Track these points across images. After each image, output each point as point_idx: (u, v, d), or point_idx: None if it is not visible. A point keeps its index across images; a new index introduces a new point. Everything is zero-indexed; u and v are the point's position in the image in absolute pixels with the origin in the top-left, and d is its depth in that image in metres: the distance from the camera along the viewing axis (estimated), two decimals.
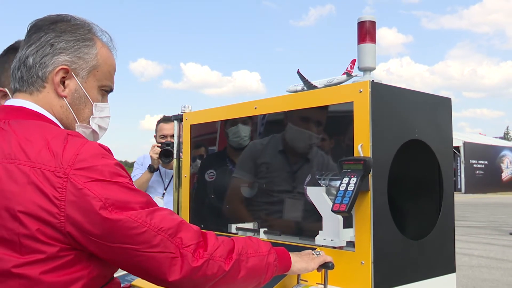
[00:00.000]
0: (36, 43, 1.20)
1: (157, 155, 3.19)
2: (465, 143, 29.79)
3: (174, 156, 2.35)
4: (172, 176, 3.37)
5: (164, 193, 3.38)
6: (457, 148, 29.22)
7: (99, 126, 1.31)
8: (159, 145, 3.23)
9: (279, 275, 1.41)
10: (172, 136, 3.14)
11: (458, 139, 30.77)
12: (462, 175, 28.80)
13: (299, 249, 1.49)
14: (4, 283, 1.00)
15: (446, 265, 1.69)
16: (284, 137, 1.92)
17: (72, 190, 1.00)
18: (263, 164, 2.02)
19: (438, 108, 1.72)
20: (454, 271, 1.72)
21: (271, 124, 1.92)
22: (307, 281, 1.46)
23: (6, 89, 1.64)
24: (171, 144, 3.17)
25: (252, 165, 2.05)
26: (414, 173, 1.76)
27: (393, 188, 1.60)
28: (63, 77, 1.21)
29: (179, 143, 2.31)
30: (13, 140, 1.07)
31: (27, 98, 1.20)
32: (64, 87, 1.22)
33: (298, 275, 1.46)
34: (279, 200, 1.92)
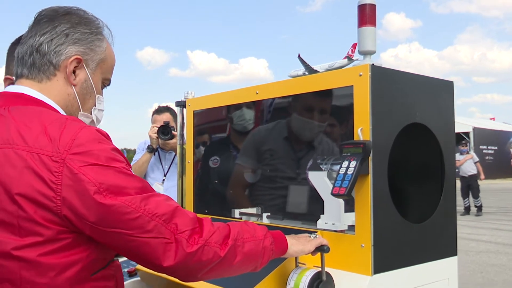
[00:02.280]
0: (51, 32, 1.22)
1: (156, 134, 3.26)
2: (474, 129, 29.59)
3: (177, 139, 2.37)
4: (172, 161, 3.41)
5: (164, 179, 3.41)
6: (467, 133, 29.05)
7: (97, 118, 1.35)
8: (157, 125, 3.29)
9: (279, 259, 1.42)
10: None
11: (467, 124, 30.56)
12: None
13: (299, 233, 1.51)
14: (5, 265, 1.02)
15: (448, 248, 1.69)
16: (289, 124, 1.92)
17: (68, 174, 1.02)
18: (267, 151, 2.02)
19: (440, 91, 1.71)
20: (456, 254, 1.73)
21: (277, 110, 1.91)
22: (305, 264, 1.48)
23: (14, 77, 1.66)
24: (169, 123, 3.25)
25: (255, 152, 2.05)
26: (416, 156, 1.76)
27: (395, 172, 1.60)
28: (75, 67, 1.25)
29: (182, 129, 2.32)
30: (12, 126, 1.09)
31: (33, 86, 1.22)
32: (75, 76, 1.25)
33: (296, 259, 1.47)
34: (282, 186, 1.92)
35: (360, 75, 1.47)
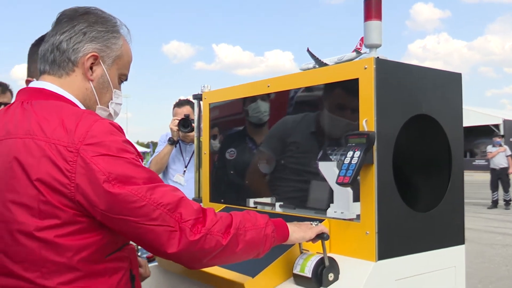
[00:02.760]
0: (70, 31, 1.32)
1: (176, 127, 3.36)
2: (505, 121, 28.93)
3: (194, 131, 2.45)
4: (192, 153, 3.50)
5: (185, 171, 3.51)
6: (497, 126, 28.44)
7: (114, 111, 1.43)
8: (178, 118, 3.40)
9: (285, 246, 1.48)
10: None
11: (497, 116, 29.90)
12: None
13: (305, 221, 1.57)
14: (27, 245, 1.11)
15: (454, 237, 1.73)
16: (318, 119, 1.93)
17: (81, 163, 1.11)
18: (293, 143, 2.06)
19: (448, 83, 1.74)
20: (463, 243, 1.76)
21: (305, 103, 1.93)
22: (309, 250, 1.54)
23: (35, 79, 1.75)
24: (189, 116, 3.35)
25: (279, 142, 2.09)
26: (424, 147, 1.80)
27: (403, 163, 1.64)
28: (92, 63, 1.33)
29: (199, 122, 2.40)
30: (33, 119, 1.18)
31: (54, 81, 1.31)
32: (92, 72, 1.34)
33: (300, 245, 1.53)
34: (303, 180, 1.95)
35: (365, 68, 1.52)
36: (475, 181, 19.53)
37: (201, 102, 2.35)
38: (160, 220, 1.13)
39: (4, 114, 1.26)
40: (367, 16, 1.60)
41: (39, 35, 1.87)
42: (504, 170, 12.92)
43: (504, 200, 12.86)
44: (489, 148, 13.37)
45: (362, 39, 1.72)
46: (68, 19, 1.33)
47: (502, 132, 27.67)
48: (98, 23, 1.35)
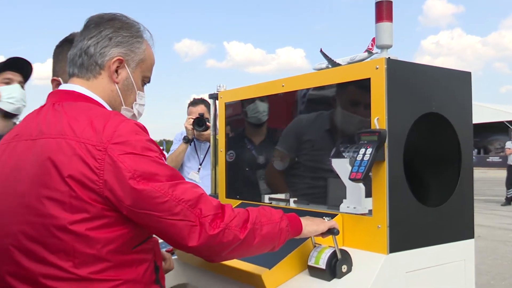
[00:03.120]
0: (97, 36, 1.40)
1: (191, 126, 3.44)
2: None
3: (210, 129, 2.52)
4: (207, 151, 3.58)
5: (199, 168, 3.59)
6: (511, 122, 28.19)
7: (138, 112, 1.52)
8: (192, 117, 3.47)
9: (299, 240, 1.55)
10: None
11: (511, 113, 29.61)
12: None
13: (321, 215, 1.64)
14: (61, 238, 1.20)
15: (463, 231, 1.78)
16: (332, 117, 1.98)
17: (109, 161, 1.19)
18: (308, 142, 2.13)
19: (457, 82, 1.79)
20: (473, 237, 1.81)
21: (319, 101, 1.98)
22: (321, 244, 1.60)
23: (60, 79, 1.83)
24: (203, 115, 3.41)
25: (295, 140, 2.16)
26: (435, 145, 1.85)
27: (415, 159, 1.70)
28: (118, 66, 1.41)
29: (215, 121, 2.47)
30: (64, 120, 1.27)
31: (82, 84, 1.40)
32: (117, 75, 1.42)
33: (313, 239, 1.60)
34: (319, 177, 2.01)
35: (377, 68, 1.58)
36: (489, 178, 19.41)
37: (216, 102, 2.42)
38: (182, 215, 1.20)
39: (37, 115, 1.35)
40: (379, 18, 1.66)
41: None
42: None
43: None
44: (508, 144, 13.13)
45: (373, 40, 1.77)
46: (95, 25, 1.42)
47: None
48: (123, 29, 1.43)
